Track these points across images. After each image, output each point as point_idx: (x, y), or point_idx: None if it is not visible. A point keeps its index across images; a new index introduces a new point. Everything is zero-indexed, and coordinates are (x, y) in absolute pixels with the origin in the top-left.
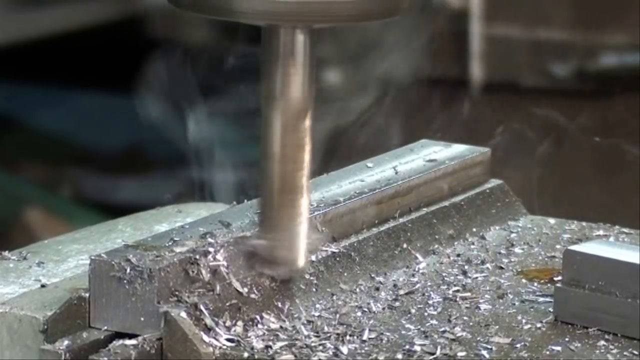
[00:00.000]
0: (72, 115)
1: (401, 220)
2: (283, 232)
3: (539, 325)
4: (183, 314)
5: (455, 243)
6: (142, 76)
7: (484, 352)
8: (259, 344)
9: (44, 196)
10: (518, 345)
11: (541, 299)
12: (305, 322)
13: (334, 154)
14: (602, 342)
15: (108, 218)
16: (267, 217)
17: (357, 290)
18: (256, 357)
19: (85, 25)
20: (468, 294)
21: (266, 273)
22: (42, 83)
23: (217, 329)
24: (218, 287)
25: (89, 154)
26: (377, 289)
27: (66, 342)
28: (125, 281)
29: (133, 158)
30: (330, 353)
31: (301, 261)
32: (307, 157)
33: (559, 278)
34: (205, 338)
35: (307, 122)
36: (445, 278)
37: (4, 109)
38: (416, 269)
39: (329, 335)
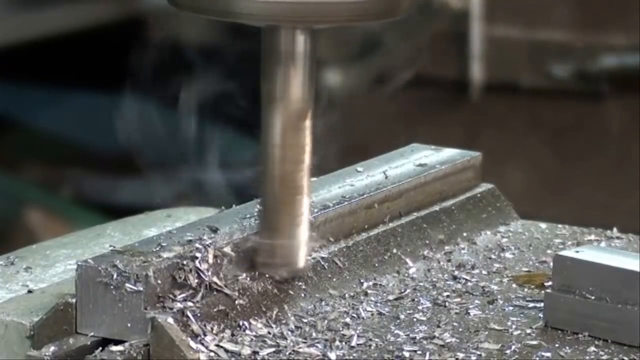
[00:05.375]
0: (72, 115)
1: (391, 225)
2: (283, 233)
3: (528, 331)
4: (170, 320)
5: (446, 248)
6: (142, 76)
7: (473, 358)
8: (246, 350)
9: (44, 197)
10: (507, 352)
11: (531, 305)
12: (293, 328)
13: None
14: (593, 348)
15: (108, 219)
16: (267, 217)
17: (346, 295)
18: None
19: (86, 26)
20: (458, 300)
21: (267, 274)
22: (42, 83)
23: (204, 335)
24: (205, 293)
25: (89, 155)
26: (366, 294)
27: (52, 348)
28: (112, 287)
29: (133, 158)
30: (319, 359)
31: (302, 262)
32: (307, 157)
33: (550, 283)
34: (193, 344)
35: (308, 123)
36: (435, 283)
37: (4, 109)
38: (406, 274)
39: (317, 341)
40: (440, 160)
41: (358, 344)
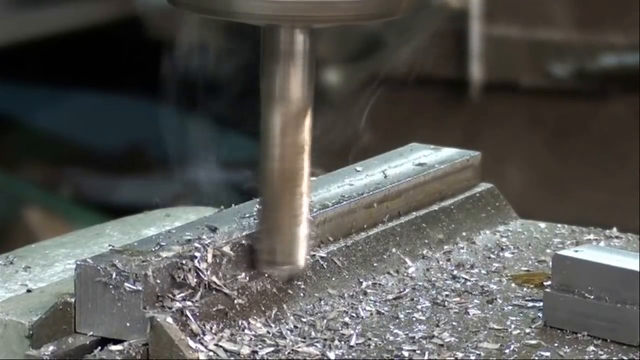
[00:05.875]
0: (72, 115)
1: (390, 224)
2: (283, 233)
3: (528, 330)
4: (169, 320)
5: (445, 247)
6: (142, 76)
7: (473, 358)
8: (245, 350)
9: (44, 196)
10: (507, 351)
11: (531, 304)
12: (292, 327)
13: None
14: (592, 348)
15: (108, 219)
16: (267, 217)
17: (346, 295)
18: None
19: (86, 25)
20: (457, 299)
21: (266, 273)
22: (42, 83)
23: (203, 335)
24: (205, 293)
25: (89, 154)
26: (366, 294)
27: (52, 348)
28: (111, 286)
29: (133, 158)
30: (318, 359)
31: (302, 261)
32: (307, 157)
33: (549, 283)
34: (192, 344)
35: (307, 122)
36: (435, 283)
37: (4, 109)
38: (405, 274)
39: (316, 340)
40: (440, 160)
41: (357, 344)
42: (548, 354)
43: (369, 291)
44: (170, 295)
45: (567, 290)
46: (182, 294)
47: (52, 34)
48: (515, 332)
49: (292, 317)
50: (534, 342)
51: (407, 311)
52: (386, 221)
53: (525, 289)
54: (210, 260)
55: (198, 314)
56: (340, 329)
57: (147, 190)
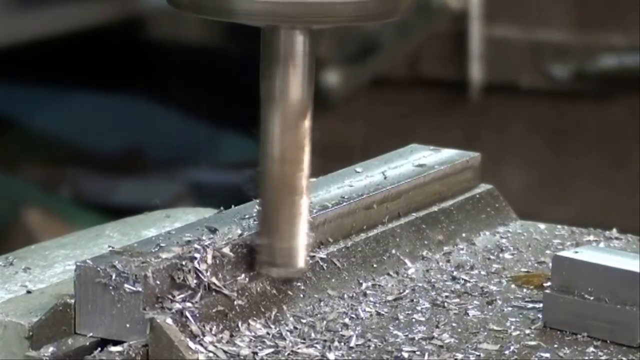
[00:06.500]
0: (72, 115)
1: (390, 225)
2: (282, 233)
3: (527, 331)
4: (169, 321)
5: (445, 248)
6: (142, 77)
7: (472, 359)
8: (245, 351)
9: (44, 197)
10: (506, 352)
11: (530, 305)
12: (292, 328)
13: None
14: (592, 349)
15: (107, 219)
16: (266, 218)
17: (345, 296)
18: None
19: (86, 26)
20: (457, 300)
21: (266, 274)
22: (42, 83)
23: (203, 336)
24: (204, 294)
25: (89, 155)
26: (365, 295)
27: (51, 349)
28: (110, 287)
29: (132, 159)
30: None
31: (301, 262)
32: (306, 158)
33: (548, 284)
34: (191, 345)
35: (307, 123)
36: (434, 284)
37: (4, 109)
38: (405, 275)
39: (315, 341)
40: (439, 161)
41: (357, 345)
42: (547, 354)
43: (368, 292)
44: (170, 296)
45: (567, 291)
46: (182, 295)
47: (52, 34)
48: (514, 333)
49: (291, 318)
50: (533, 343)
51: (407, 312)
52: (386, 222)
53: (524, 290)
54: (209, 261)
55: (197, 315)
56: (339, 329)
57: (146, 190)
